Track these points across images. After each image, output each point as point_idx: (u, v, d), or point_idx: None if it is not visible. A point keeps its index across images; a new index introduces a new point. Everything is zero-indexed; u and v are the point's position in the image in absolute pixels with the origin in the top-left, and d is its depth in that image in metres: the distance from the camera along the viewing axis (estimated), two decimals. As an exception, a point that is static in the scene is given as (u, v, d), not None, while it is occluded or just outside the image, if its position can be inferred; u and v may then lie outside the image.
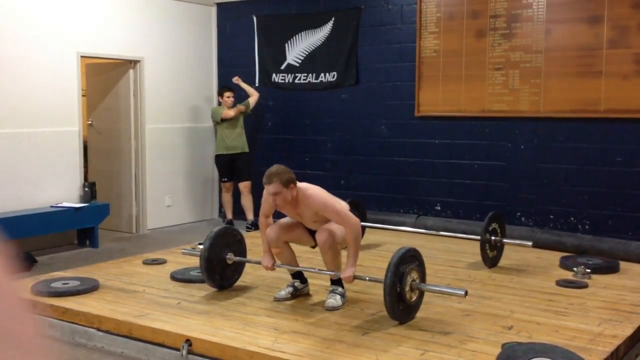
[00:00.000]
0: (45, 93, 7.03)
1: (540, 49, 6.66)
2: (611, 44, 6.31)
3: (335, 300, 4.39)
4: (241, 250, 4.90)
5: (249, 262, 4.90)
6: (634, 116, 6.26)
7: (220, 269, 4.73)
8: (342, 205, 4.46)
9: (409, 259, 4.10)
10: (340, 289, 4.46)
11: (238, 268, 4.91)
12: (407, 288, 4.01)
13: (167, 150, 8.45)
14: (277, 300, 4.57)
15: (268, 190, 4.24)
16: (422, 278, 4.18)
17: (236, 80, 8.28)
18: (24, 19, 6.84)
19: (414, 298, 4.10)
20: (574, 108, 6.54)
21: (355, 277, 4.21)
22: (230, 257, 4.75)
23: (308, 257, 5.32)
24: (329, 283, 4.72)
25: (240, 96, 8.35)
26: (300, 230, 4.51)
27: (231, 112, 7.98)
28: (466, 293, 4.10)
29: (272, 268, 4.56)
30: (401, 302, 4.01)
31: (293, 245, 4.64)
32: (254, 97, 8.28)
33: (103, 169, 8.31)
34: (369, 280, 4.30)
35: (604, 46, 6.34)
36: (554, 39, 6.60)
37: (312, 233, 4.50)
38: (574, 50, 6.50)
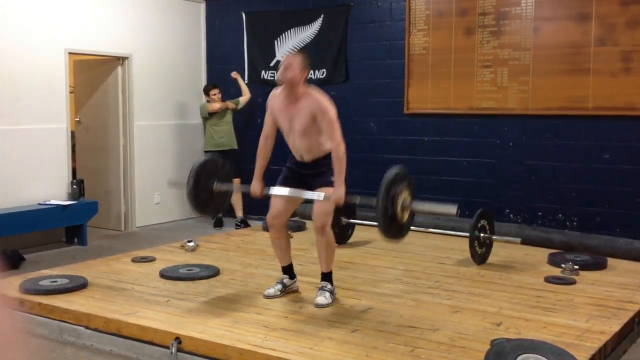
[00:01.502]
0: (33, 90, 6.99)
1: (529, 46, 6.69)
2: (599, 41, 6.34)
3: (324, 297, 4.39)
4: (226, 176, 4.80)
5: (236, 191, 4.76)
6: (622, 113, 6.30)
7: (208, 199, 4.63)
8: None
9: (399, 180, 4.07)
10: (329, 286, 4.46)
11: (224, 199, 4.80)
12: (399, 209, 4.01)
13: (156, 147, 8.42)
14: (267, 297, 4.56)
15: (286, 58, 4.32)
16: (413, 196, 4.15)
17: (235, 75, 8.27)
18: (11, 15, 6.79)
19: (406, 217, 4.10)
20: (562, 105, 6.58)
21: (346, 197, 4.19)
22: (217, 187, 4.62)
23: (299, 255, 5.33)
24: (318, 280, 4.72)
25: (230, 92, 8.34)
26: (291, 202, 4.48)
27: (216, 105, 7.99)
28: (458, 209, 4.06)
29: (261, 195, 4.52)
30: (394, 223, 4.01)
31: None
32: (245, 96, 8.28)
33: (91, 166, 8.27)
34: (359, 203, 4.31)
35: (592, 44, 6.37)
36: (543, 37, 6.63)
37: (301, 185, 4.41)
38: (562, 47, 6.53)
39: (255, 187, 4.53)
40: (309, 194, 4.34)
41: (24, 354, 0.80)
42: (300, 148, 4.37)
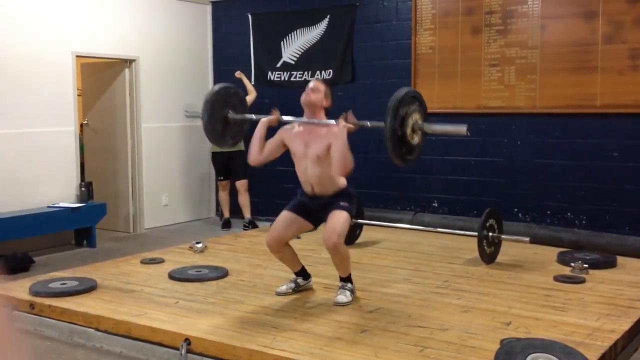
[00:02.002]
0: (41, 93, 7.02)
1: (536, 44, 6.67)
2: (606, 39, 6.32)
3: (345, 296, 4.39)
4: (243, 108, 4.79)
5: (252, 119, 4.72)
6: (630, 111, 6.27)
7: (222, 128, 4.64)
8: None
9: (409, 100, 3.99)
10: (349, 285, 4.46)
11: (240, 127, 4.78)
12: (409, 130, 3.94)
13: (164, 149, 8.44)
14: (278, 294, 4.57)
15: (314, 83, 4.39)
16: (424, 118, 4.08)
17: (239, 74, 8.27)
18: (19, 18, 6.83)
19: (417, 139, 4.02)
20: (569, 103, 6.56)
21: (354, 124, 4.15)
22: (232, 115, 4.63)
23: (308, 256, 5.33)
24: (328, 281, 4.73)
25: (236, 94, 8.35)
26: (295, 223, 4.42)
27: None
28: (467, 129, 3.98)
29: (276, 120, 4.47)
30: (403, 145, 3.94)
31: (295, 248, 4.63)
32: (251, 95, 8.27)
33: (99, 168, 8.30)
34: (370, 125, 4.21)
35: (600, 41, 6.35)
36: (550, 35, 6.61)
37: (308, 218, 4.41)
38: (570, 45, 6.51)
39: (268, 117, 4.46)
40: (316, 120, 4.32)
41: (17, 352, 0.80)
42: (311, 176, 4.32)
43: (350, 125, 4.16)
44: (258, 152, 4.40)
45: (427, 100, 7.21)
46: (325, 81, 4.47)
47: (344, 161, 4.09)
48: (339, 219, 4.21)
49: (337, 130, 4.15)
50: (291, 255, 4.57)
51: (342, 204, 4.26)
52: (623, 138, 6.36)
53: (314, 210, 4.39)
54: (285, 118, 4.49)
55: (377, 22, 7.70)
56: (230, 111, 4.65)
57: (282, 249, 4.48)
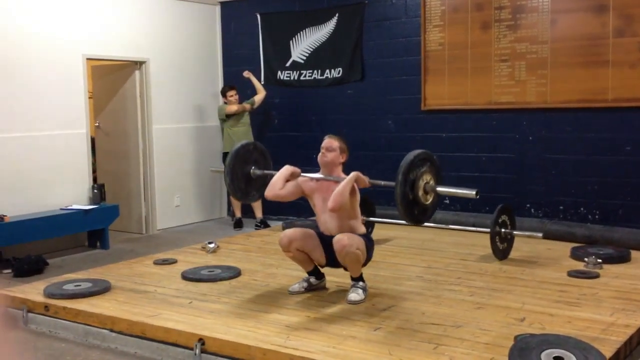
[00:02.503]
0: (52, 96, 7.06)
1: (546, 39, 6.64)
2: (617, 32, 6.28)
3: (357, 294, 4.39)
4: (264, 160, 4.94)
5: (273, 174, 4.78)
6: (642, 104, 6.23)
7: (245, 183, 4.81)
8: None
9: (419, 163, 4.05)
10: (361, 283, 4.47)
11: (264, 181, 4.88)
12: (421, 192, 3.99)
13: (175, 150, 8.47)
14: (291, 293, 4.59)
15: (328, 141, 4.46)
16: (437, 178, 4.14)
17: (247, 74, 8.29)
18: (29, 22, 6.86)
19: (430, 199, 4.07)
20: (581, 98, 6.52)
21: (370, 181, 4.30)
22: (254, 171, 4.80)
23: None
24: (340, 280, 4.73)
25: (247, 93, 8.36)
26: (313, 243, 4.48)
27: (234, 107, 8.03)
28: (477, 193, 4.12)
29: (298, 174, 4.53)
30: (416, 206, 3.99)
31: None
32: (260, 94, 8.29)
33: (111, 170, 8.34)
34: (384, 185, 4.33)
35: (610, 35, 6.31)
36: (560, 29, 6.57)
37: (325, 250, 4.45)
38: (580, 40, 6.47)
39: (291, 167, 4.56)
40: (334, 177, 4.42)
41: (11, 349, 0.81)
42: (331, 228, 4.44)
43: (362, 176, 4.31)
44: (280, 188, 4.50)
45: (437, 98, 7.31)
46: (339, 137, 4.54)
47: (339, 196, 4.20)
48: (353, 235, 4.29)
49: (349, 176, 4.31)
50: (303, 256, 4.57)
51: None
52: (635, 132, 6.32)
53: (329, 244, 4.39)
54: (306, 175, 4.57)
55: (386, 20, 7.69)
56: (253, 167, 4.81)
57: (292, 251, 4.50)
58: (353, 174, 4.31)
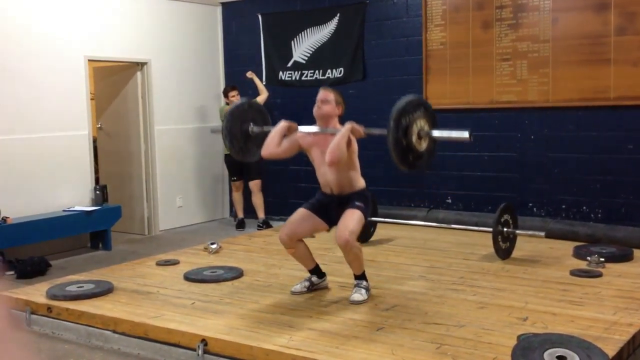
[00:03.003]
0: (54, 98, 7.07)
1: (548, 38, 6.63)
2: (619, 30, 6.27)
3: (360, 294, 4.40)
4: (262, 117, 4.85)
5: (271, 130, 4.71)
6: (644, 103, 6.22)
7: (244, 141, 4.72)
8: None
9: (412, 108, 3.95)
10: (364, 283, 4.47)
11: (264, 137, 4.78)
12: (415, 138, 3.91)
13: (177, 151, 8.48)
14: (293, 293, 4.59)
15: (323, 93, 4.42)
16: (432, 123, 4.04)
17: (250, 74, 8.28)
18: (31, 24, 6.87)
19: (424, 145, 4.00)
20: (583, 96, 6.51)
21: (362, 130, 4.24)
22: (252, 129, 4.70)
23: (323, 254, 5.33)
24: (343, 279, 4.73)
25: (249, 94, 8.36)
26: (310, 221, 4.46)
27: None
28: (470, 135, 4.03)
29: (295, 129, 4.48)
30: (410, 152, 3.93)
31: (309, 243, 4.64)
32: (263, 95, 8.28)
33: (114, 171, 8.35)
34: (379, 134, 4.21)
35: (612, 33, 6.30)
36: (561, 28, 6.57)
37: (323, 217, 4.44)
38: (582, 38, 6.46)
39: (287, 122, 4.50)
40: (330, 130, 4.36)
41: (14, 348, 0.81)
42: (330, 180, 4.40)
43: (357, 127, 4.24)
44: (276, 145, 4.42)
45: (439, 97, 7.29)
46: (333, 87, 4.47)
47: (336, 149, 4.13)
48: (352, 217, 4.23)
49: (343, 127, 4.25)
50: (305, 252, 4.58)
51: (357, 203, 4.31)
52: (638, 130, 6.31)
53: (329, 208, 4.42)
54: (302, 129, 4.51)
55: (387, 19, 7.68)
56: (251, 124, 4.73)
57: (295, 245, 4.49)
58: (347, 124, 4.23)
